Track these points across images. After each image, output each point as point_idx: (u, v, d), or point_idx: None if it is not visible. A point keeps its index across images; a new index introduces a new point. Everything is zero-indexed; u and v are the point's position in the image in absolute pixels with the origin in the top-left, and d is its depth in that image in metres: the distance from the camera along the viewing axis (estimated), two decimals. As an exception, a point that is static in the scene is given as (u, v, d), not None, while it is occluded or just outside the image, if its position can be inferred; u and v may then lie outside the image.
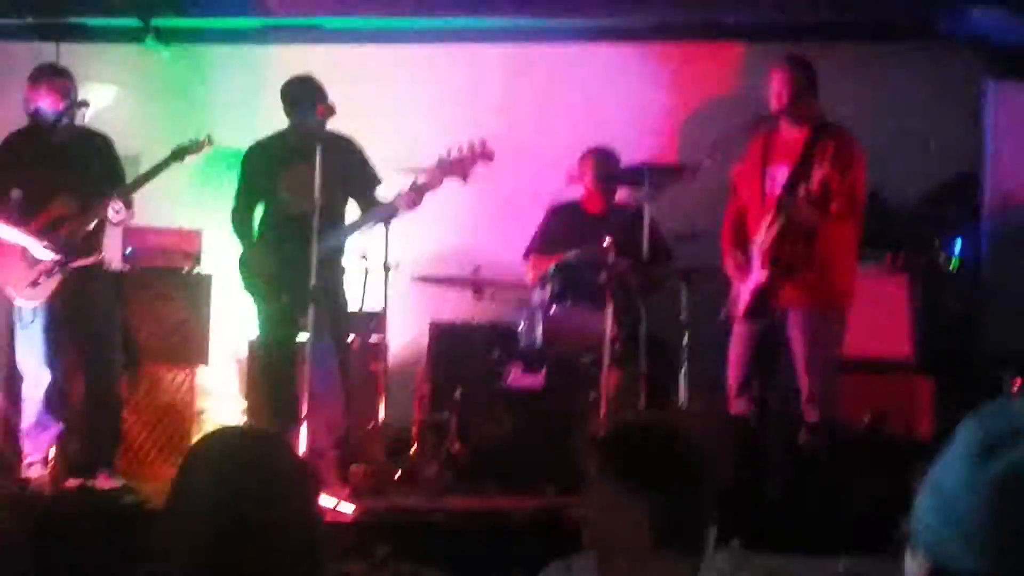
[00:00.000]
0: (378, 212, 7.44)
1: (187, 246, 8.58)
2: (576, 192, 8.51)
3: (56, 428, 7.36)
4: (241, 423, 8.07)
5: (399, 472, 7.54)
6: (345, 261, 7.71)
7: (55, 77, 7.45)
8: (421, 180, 7.28)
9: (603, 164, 8.34)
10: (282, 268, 7.42)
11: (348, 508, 6.52)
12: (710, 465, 3.40)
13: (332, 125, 7.44)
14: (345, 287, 7.69)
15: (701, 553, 3.26)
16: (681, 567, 3.26)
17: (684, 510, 3.27)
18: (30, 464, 7.33)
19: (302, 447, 6.96)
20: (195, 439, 8.00)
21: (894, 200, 8.46)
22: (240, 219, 7.70)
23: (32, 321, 7.34)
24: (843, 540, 5.78)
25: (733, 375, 7.34)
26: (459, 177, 7.31)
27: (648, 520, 3.24)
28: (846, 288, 7.26)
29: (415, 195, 7.26)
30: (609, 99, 9.22)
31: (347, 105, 7.48)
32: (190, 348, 8.39)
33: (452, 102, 9.20)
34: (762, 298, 7.21)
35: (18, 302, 7.35)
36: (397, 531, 6.18)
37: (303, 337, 7.25)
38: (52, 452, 7.30)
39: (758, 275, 7.17)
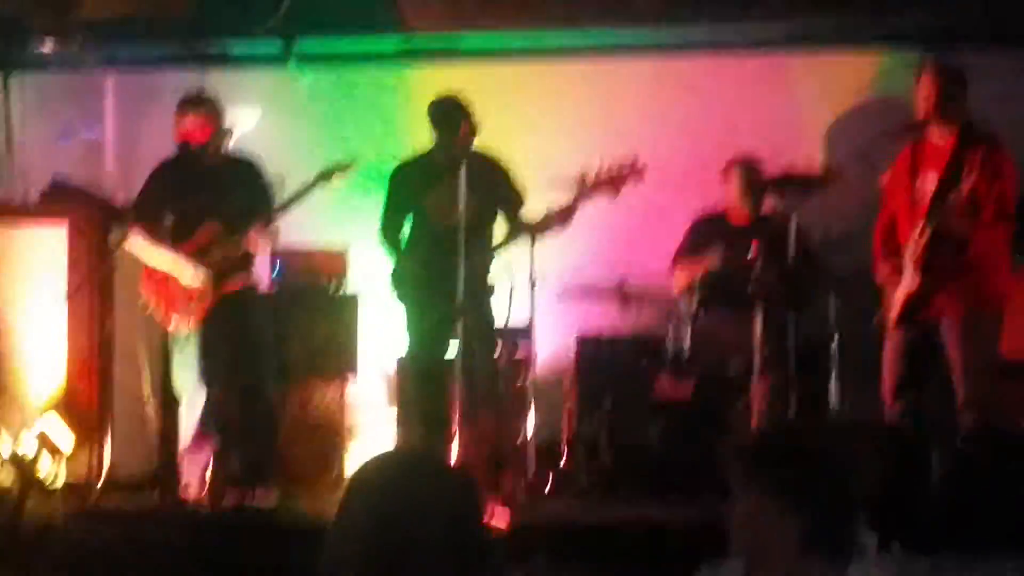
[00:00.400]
0: (522, 233, 7.50)
1: (334, 266, 8.67)
2: (721, 203, 8.46)
3: (212, 447, 7.45)
4: (391, 438, 8.15)
5: (550, 484, 7.55)
6: (491, 278, 7.73)
7: (201, 106, 7.56)
8: (564, 201, 7.34)
9: (747, 174, 8.28)
10: (429, 284, 7.47)
11: (501, 520, 6.52)
12: (857, 473, 3.38)
13: (476, 142, 7.51)
14: (492, 303, 7.71)
15: (848, 560, 3.24)
16: (828, 574, 3.24)
17: (830, 519, 3.25)
18: (187, 485, 7.45)
19: (454, 460, 6.99)
20: (347, 453, 8.19)
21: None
22: (388, 237, 7.77)
23: (186, 343, 7.45)
24: (1005, 545, 5.67)
25: (888, 383, 7.25)
26: (610, 194, 7.35)
27: (794, 529, 3.22)
28: (1000, 292, 7.15)
29: (560, 218, 7.33)
30: (751, 109, 9.14)
31: (489, 122, 7.53)
32: (339, 364, 8.48)
33: (594, 117, 9.20)
34: (914, 306, 7.12)
35: (172, 326, 7.47)
36: (550, 542, 6.17)
37: (452, 352, 7.29)
38: (209, 471, 7.39)
39: (909, 283, 7.08)
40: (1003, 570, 5.20)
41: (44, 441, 7.73)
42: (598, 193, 7.36)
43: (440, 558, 2.49)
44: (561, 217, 7.37)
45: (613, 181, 7.34)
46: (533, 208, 7.62)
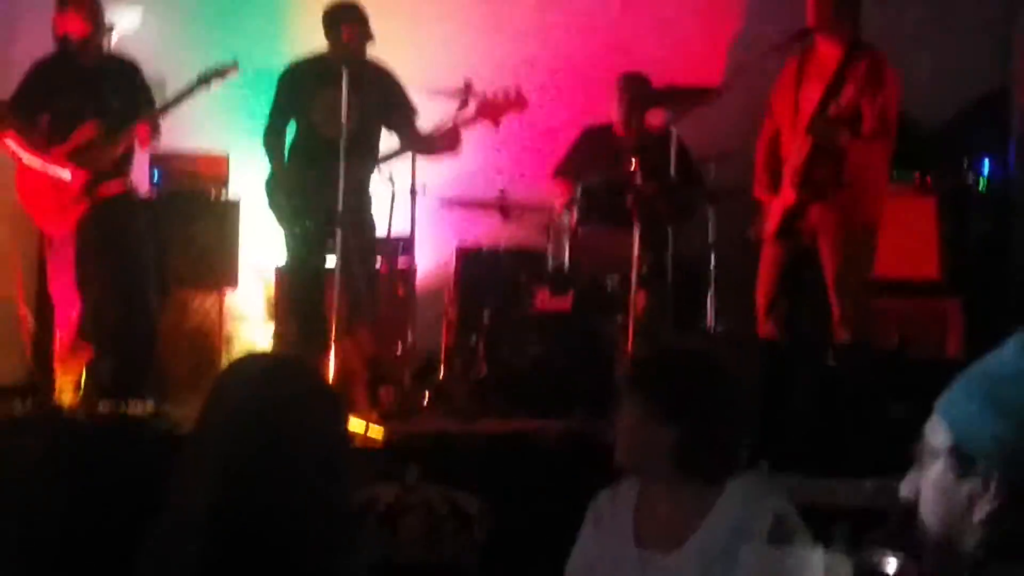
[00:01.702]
0: (409, 149, 7.49)
1: (215, 171, 8.59)
2: (608, 116, 8.47)
3: (87, 353, 7.38)
4: (269, 348, 8.11)
5: (428, 396, 7.58)
6: (372, 186, 7.69)
7: (81, 2, 7.43)
8: (446, 125, 7.34)
9: (634, 88, 8.28)
10: (309, 191, 7.42)
11: (377, 431, 6.53)
12: (738, 395, 3.42)
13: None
14: (372, 212, 7.67)
15: (724, 481, 3.31)
16: (704, 493, 3.31)
17: (706, 440, 3.30)
18: (62, 390, 7.38)
19: (331, 371, 6.98)
20: (224, 363, 8.15)
21: (923, 120, 8.38)
22: (271, 139, 7.69)
23: (61, 247, 7.36)
24: (871, 462, 5.79)
25: (761, 296, 7.32)
26: (490, 121, 7.34)
27: (670, 447, 3.29)
28: (876, 209, 7.22)
29: (446, 144, 7.34)
30: (642, 22, 9.11)
31: (377, 25, 7.46)
32: (218, 272, 8.44)
33: (482, 24, 9.13)
34: (791, 219, 7.17)
35: (47, 229, 7.38)
36: (427, 454, 6.19)
37: (331, 261, 7.26)
38: (84, 377, 7.32)
39: (787, 196, 7.13)
40: (864, 488, 5.34)
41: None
42: (478, 120, 7.36)
43: (295, 467, 2.50)
44: (448, 143, 7.38)
45: (494, 109, 7.33)
46: (419, 123, 7.58)
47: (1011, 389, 1.82)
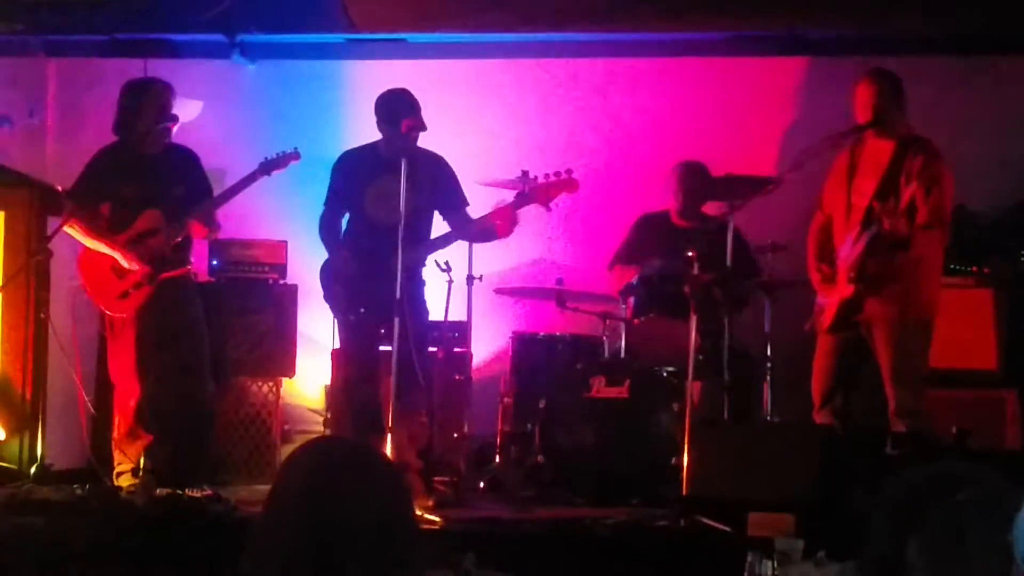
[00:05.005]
0: (469, 231, 7.51)
1: (273, 257, 8.66)
2: (665, 204, 8.51)
3: (147, 438, 7.43)
4: (329, 435, 8.11)
5: (483, 483, 7.57)
6: (425, 273, 7.72)
7: (157, 85, 7.56)
8: (498, 209, 7.36)
9: (691, 177, 8.34)
10: (362, 278, 7.44)
11: (433, 518, 6.54)
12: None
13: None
14: (424, 298, 7.69)
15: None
16: None
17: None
18: (120, 474, 7.42)
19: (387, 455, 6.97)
20: (284, 450, 8.17)
21: (980, 213, 8.38)
22: (328, 226, 7.73)
23: (122, 332, 7.43)
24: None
25: (817, 387, 7.31)
26: (542, 204, 7.37)
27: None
28: (931, 299, 7.22)
29: (506, 221, 7.34)
30: (695, 113, 9.18)
31: (429, 118, 7.52)
32: (276, 359, 8.50)
33: (536, 116, 9.23)
34: (848, 311, 7.17)
35: (108, 313, 7.45)
36: (482, 541, 6.16)
37: (385, 347, 7.27)
38: (143, 462, 7.36)
39: (844, 289, 7.13)
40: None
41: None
42: (531, 202, 7.37)
43: (365, 549, 2.51)
44: (501, 228, 7.38)
45: (546, 192, 7.34)
46: (471, 210, 7.63)
47: None
